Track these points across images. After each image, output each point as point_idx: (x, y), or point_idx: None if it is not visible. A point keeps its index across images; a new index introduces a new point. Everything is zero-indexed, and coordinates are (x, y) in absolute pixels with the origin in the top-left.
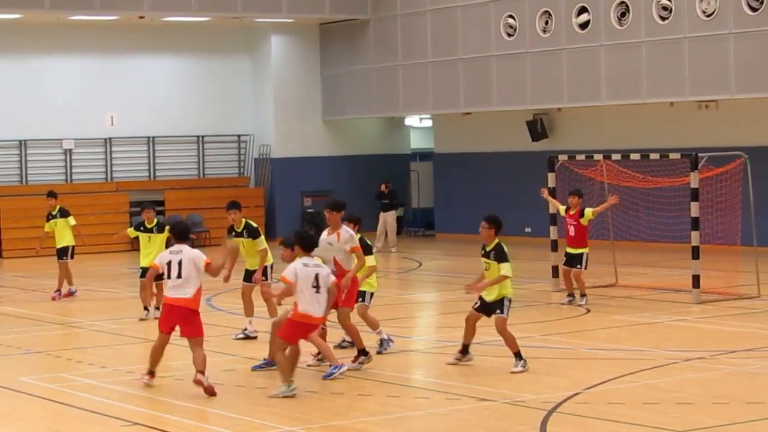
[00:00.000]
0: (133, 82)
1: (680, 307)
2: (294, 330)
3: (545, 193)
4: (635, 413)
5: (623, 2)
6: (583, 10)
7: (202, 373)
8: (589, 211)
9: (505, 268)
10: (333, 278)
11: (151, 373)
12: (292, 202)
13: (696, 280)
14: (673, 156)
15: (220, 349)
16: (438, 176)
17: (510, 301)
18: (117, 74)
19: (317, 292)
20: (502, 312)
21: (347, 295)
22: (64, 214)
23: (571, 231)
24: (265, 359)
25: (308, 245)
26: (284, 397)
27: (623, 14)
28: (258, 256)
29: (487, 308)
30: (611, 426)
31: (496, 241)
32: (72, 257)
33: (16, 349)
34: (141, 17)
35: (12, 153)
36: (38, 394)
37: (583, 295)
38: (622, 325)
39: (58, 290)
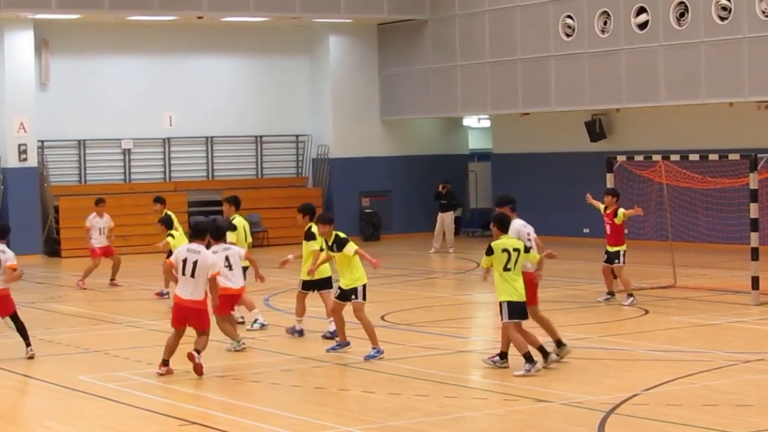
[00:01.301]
0: (192, 82)
1: (739, 308)
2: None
3: (589, 198)
4: (694, 415)
5: (682, 2)
6: (641, 10)
7: (198, 352)
8: (620, 212)
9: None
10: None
11: (165, 363)
12: (351, 203)
13: (755, 282)
14: (732, 156)
15: (278, 349)
16: (496, 177)
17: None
18: (175, 74)
19: (230, 269)
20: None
21: (530, 293)
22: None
23: (608, 229)
24: (338, 341)
25: (218, 235)
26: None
27: (682, 14)
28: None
29: None
30: (669, 428)
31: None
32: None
33: (74, 348)
34: (199, 17)
35: (71, 153)
36: (96, 392)
37: (629, 295)
38: (681, 326)
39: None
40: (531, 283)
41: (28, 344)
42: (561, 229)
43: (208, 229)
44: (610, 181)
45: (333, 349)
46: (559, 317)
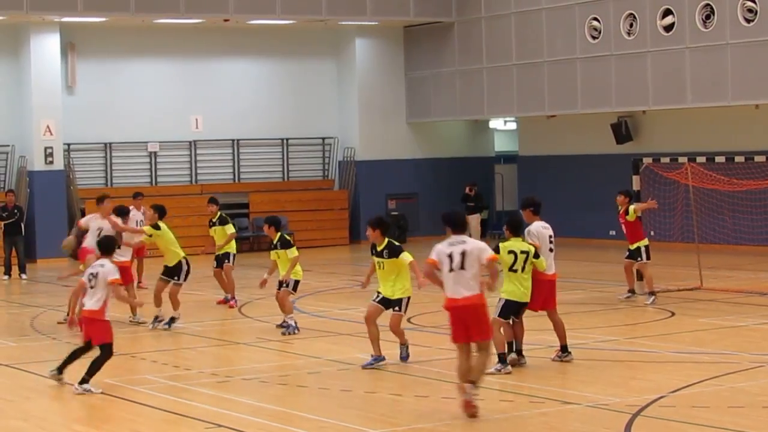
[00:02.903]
0: (218, 85)
1: (766, 310)
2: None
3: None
4: (720, 417)
5: (708, 4)
6: (667, 12)
7: (473, 383)
8: (631, 209)
9: None
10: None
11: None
12: (377, 205)
13: None
14: (758, 159)
15: (304, 352)
16: (522, 179)
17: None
18: (202, 77)
19: None
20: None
21: (550, 297)
22: (222, 221)
23: (624, 229)
24: (373, 356)
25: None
26: None
27: (708, 16)
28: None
29: None
30: (696, 429)
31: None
32: (224, 264)
33: None
34: (226, 20)
35: (97, 156)
36: (122, 395)
37: (651, 294)
38: (708, 328)
39: (233, 297)
40: (552, 285)
41: (85, 381)
42: (587, 231)
43: (461, 218)
44: (636, 183)
45: (370, 364)
46: (585, 319)
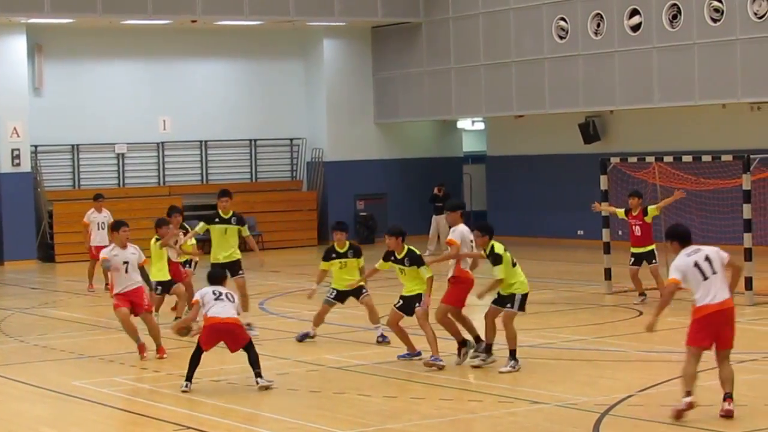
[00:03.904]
0: (186, 86)
1: None
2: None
3: (597, 207)
4: (688, 415)
5: (675, 4)
6: (634, 12)
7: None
8: (652, 208)
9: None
10: None
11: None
12: (346, 206)
13: (749, 282)
14: (725, 158)
15: (273, 353)
16: (491, 179)
17: (524, 296)
18: (170, 78)
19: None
20: (512, 306)
21: (463, 296)
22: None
23: (637, 231)
24: (408, 351)
25: None
26: None
27: (675, 16)
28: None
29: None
30: (664, 428)
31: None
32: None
33: (69, 353)
34: (193, 21)
35: (65, 157)
36: (92, 398)
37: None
38: (676, 327)
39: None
40: (471, 285)
41: (258, 375)
42: (555, 231)
43: (688, 231)
44: (604, 182)
45: (402, 357)
46: (554, 319)
